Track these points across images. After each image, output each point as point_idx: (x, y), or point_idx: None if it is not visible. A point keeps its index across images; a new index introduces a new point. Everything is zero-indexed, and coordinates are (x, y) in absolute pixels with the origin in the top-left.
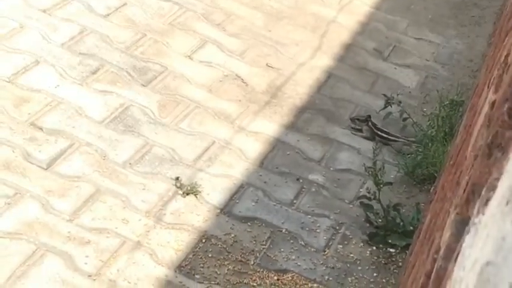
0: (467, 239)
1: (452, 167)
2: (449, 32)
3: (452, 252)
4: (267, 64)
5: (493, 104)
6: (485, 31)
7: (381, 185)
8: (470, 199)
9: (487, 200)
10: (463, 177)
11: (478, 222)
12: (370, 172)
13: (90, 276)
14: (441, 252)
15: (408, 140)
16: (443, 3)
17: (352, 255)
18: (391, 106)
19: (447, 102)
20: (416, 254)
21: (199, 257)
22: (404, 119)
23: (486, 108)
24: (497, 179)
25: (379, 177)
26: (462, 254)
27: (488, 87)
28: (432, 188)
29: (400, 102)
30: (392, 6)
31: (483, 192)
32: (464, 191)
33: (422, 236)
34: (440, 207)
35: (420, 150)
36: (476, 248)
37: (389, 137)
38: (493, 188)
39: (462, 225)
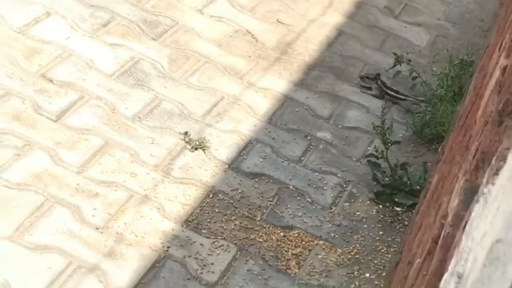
0: (476, 208)
1: (461, 129)
2: None
3: (460, 220)
4: (277, 20)
5: (504, 69)
6: None
7: (389, 144)
8: (480, 167)
9: (497, 170)
10: (473, 143)
11: (487, 192)
12: (378, 131)
13: (97, 228)
14: (449, 219)
15: (417, 99)
16: None
17: (358, 213)
18: (400, 65)
19: (457, 61)
20: (423, 215)
21: (206, 212)
22: (414, 78)
23: (497, 73)
24: (508, 149)
25: (387, 136)
26: (470, 224)
27: (499, 50)
28: (440, 148)
29: (409, 61)
30: None
31: (493, 162)
32: (474, 157)
33: (429, 197)
34: (448, 170)
35: (429, 109)
36: (485, 220)
37: (399, 96)
38: (503, 158)
39: (471, 192)
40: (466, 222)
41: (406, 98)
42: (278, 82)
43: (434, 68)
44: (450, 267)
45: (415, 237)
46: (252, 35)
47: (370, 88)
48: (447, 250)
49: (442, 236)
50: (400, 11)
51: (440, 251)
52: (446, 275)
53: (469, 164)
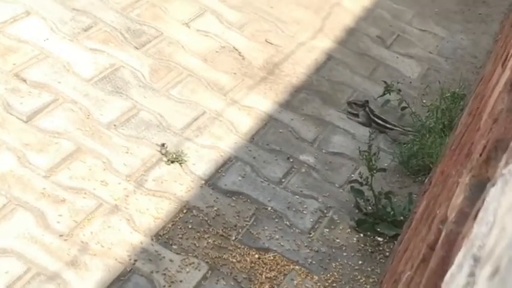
0: (493, 192)
1: (454, 151)
2: (454, 26)
3: (465, 216)
4: (266, 40)
5: None
6: (491, 29)
7: (374, 171)
8: (492, 157)
9: None
10: (477, 145)
11: (507, 172)
12: (364, 156)
13: (61, 235)
14: (451, 218)
15: (405, 129)
16: None
17: (338, 240)
18: (390, 94)
19: (448, 94)
20: (409, 239)
21: (179, 227)
22: (403, 108)
23: (507, 73)
24: None
25: (373, 163)
26: (485, 209)
27: (503, 65)
28: (427, 179)
29: (399, 90)
30: None
31: (511, 145)
32: (481, 153)
33: (415, 223)
34: (442, 188)
35: (417, 140)
36: (507, 198)
37: (386, 125)
38: None
39: (478, 187)
40: (478, 212)
41: (394, 127)
42: (263, 101)
43: (424, 100)
44: (458, 258)
45: (400, 261)
46: (239, 52)
47: (357, 115)
48: (451, 246)
49: (442, 236)
50: (392, 41)
51: (441, 249)
52: (452, 268)
53: (475, 161)
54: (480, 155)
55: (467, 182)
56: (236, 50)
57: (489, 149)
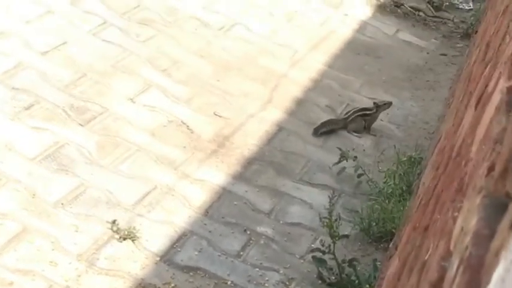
0: None
1: (428, 202)
2: (403, 94)
3: (485, 237)
4: (214, 113)
5: (509, 89)
6: (440, 95)
7: (337, 238)
8: (510, 168)
9: None
10: (473, 174)
11: None
12: (325, 223)
13: None
14: (467, 241)
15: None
16: (398, 66)
17: None
18: (346, 161)
19: (405, 159)
20: None
21: None
22: (359, 175)
23: (497, 98)
24: None
25: (335, 229)
26: None
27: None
28: (391, 243)
29: (355, 157)
30: (345, 65)
31: None
32: (487, 175)
33: (389, 284)
34: (422, 238)
35: (376, 206)
36: None
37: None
38: None
39: (494, 205)
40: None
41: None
42: (215, 174)
43: (380, 167)
44: (498, 273)
45: None
46: (187, 126)
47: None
48: (476, 270)
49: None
50: (341, 110)
51: (464, 275)
52: (491, 286)
53: (485, 182)
54: (488, 171)
55: (479, 203)
56: (184, 123)
57: (506, 159)
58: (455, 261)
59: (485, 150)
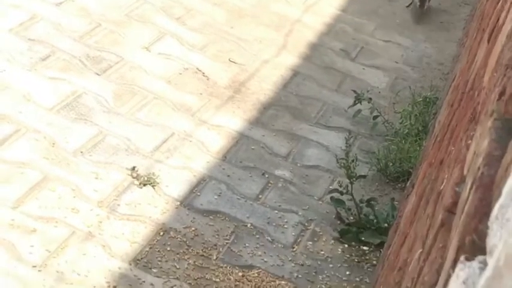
0: None
1: (443, 138)
2: (417, 36)
3: (496, 158)
4: (229, 59)
5: None
6: (454, 36)
7: (354, 178)
8: None
9: None
10: (485, 101)
11: None
12: (342, 164)
13: (35, 266)
14: (479, 162)
15: None
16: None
17: (322, 252)
18: (360, 103)
19: (420, 99)
20: (403, 234)
21: (157, 250)
22: (375, 117)
23: (508, 27)
24: None
25: (352, 170)
26: None
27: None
28: (409, 182)
29: (370, 99)
30: (359, 9)
31: None
32: (499, 97)
33: (407, 218)
34: (437, 170)
35: (393, 146)
36: None
37: None
38: None
39: (505, 128)
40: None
41: None
42: (232, 120)
43: (396, 109)
44: (506, 189)
45: (397, 256)
46: (203, 73)
47: None
48: (488, 188)
49: (474, 181)
50: (356, 54)
51: (476, 194)
52: (501, 200)
53: (496, 106)
54: (497, 100)
55: (490, 126)
56: (200, 71)
57: None
58: (468, 183)
59: (496, 76)
